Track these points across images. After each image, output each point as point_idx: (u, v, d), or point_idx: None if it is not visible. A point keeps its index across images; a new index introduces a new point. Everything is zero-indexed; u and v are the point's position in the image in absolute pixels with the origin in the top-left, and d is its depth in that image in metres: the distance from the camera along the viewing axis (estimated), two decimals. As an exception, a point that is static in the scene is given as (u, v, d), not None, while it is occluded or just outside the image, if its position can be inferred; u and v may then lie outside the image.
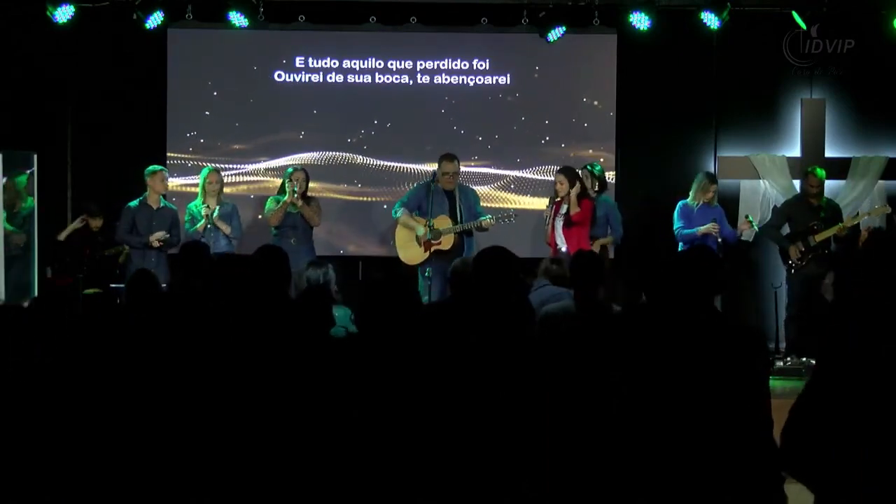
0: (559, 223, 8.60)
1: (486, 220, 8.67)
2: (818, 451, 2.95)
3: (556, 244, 8.60)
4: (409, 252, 8.89)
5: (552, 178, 9.04)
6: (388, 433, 3.56)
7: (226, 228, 8.80)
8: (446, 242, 8.72)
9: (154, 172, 8.98)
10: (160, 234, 8.74)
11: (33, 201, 9.27)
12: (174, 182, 9.88)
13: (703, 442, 3.23)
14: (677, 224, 9.10)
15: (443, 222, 8.75)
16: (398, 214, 8.93)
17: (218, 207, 8.82)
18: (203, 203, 8.83)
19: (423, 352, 3.68)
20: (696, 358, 3.27)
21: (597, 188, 8.94)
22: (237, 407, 3.85)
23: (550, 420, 3.54)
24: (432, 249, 8.75)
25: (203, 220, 8.72)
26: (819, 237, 9.06)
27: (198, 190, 8.99)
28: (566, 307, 5.22)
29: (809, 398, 3.00)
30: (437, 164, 8.94)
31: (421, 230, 8.76)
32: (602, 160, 9.66)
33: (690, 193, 9.16)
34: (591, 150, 10.11)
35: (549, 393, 3.59)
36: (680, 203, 9.20)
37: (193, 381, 3.93)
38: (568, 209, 8.57)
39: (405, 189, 9.75)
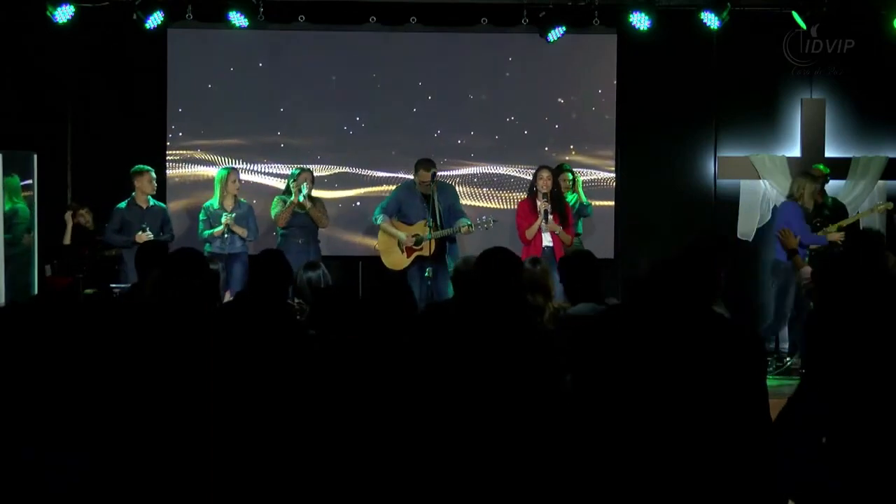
0: (546, 222, 8.63)
1: (464, 227, 8.71)
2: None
3: (540, 241, 8.61)
4: (392, 258, 8.96)
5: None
6: (392, 434, 3.56)
7: (242, 232, 8.85)
8: (427, 248, 8.74)
9: (141, 172, 8.95)
10: (146, 236, 8.71)
11: (21, 202, 9.18)
12: (174, 182, 9.93)
13: (700, 441, 3.23)
14: (801, 229, 8.48)
15: (424, 228, 8.78)
16: (379, 221, 8.98)
17: (233, 214, 8.84)
18: (220, 204, 8.88)
19: (426, 351, 3.68)
20: (693, 356, 3.28)
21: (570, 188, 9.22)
22: (240, 407, 3.85)
23: (558, 418, 3.55)
24: (414, 255, 8.83)
25: (222, 227, 8.76)
26: (820, 234, 9.05)
27: (213, 190, 9.05)
28: (596, 308, 5.10)
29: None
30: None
31: (402, 236, 8.81)
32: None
33: (803, 195, 8.70)
34: (591, 151, 10.12)
35: (558, 391, 3.60)
36: (791, 205, 8.73)
37: (195, 381, 3.93)
38: (561, 208, 8.60)
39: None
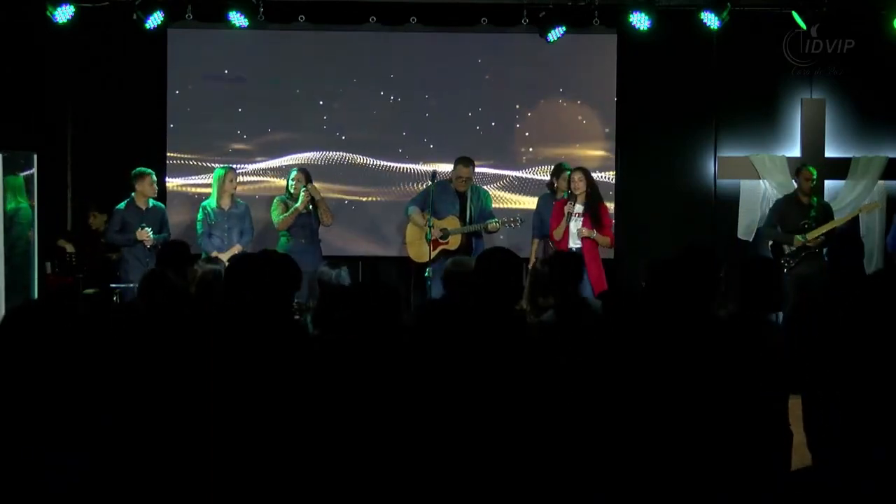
0: (575, 224, 8.45)
1: (493, 223, 8.80)
2: None
3: (566, 243, 8.43)
4: (418, 249, 9.00)
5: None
6: (388, 436, 3.55)
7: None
8: (453, 242, 8.82)
9: (142, 175, 8.85)
10: (148, 234, 8.71)
11: (24, 202, 9.17)
12: (174, 182, 9.94)
13: (699, 439, 3.23)
14: None
15: (451, 223, 8.83)
16: (409, 211, 9.01)
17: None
18: (217, 203, 8.83)
19: (417, 351, 3.68)
20: (692, 353, 3.28)
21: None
22: (240, 407, 3.85)
23: (555, 419, 3.55)
24: (439, 248, 8.83)
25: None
26: (810, 235, 9.06)
27: (211, 189, 8.99)
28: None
29: None
30: (451, 165, 9.06)
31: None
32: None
33: None
34: (591, 150, 10.12)
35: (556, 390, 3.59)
36: None
37: (196, 381, 3.93)
38: (594, 211, 8.46)
39: (404, 189, 9.82)
